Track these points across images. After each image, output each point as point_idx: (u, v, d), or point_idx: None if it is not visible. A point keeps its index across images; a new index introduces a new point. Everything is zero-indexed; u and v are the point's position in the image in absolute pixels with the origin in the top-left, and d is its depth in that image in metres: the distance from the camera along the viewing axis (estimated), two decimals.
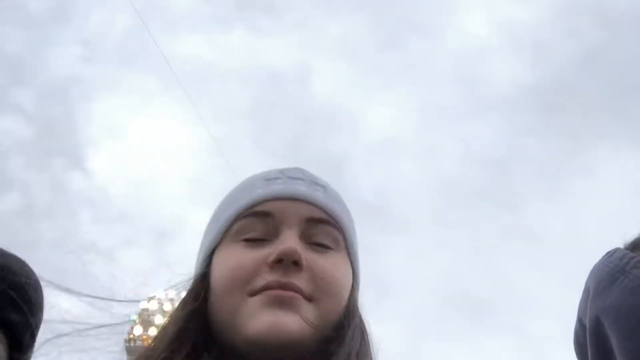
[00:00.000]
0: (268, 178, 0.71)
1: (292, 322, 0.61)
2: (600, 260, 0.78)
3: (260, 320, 0.61)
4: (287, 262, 0.63)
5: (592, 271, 0.76)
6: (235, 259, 0.65)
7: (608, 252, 0.79)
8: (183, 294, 0.70)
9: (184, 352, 0.62)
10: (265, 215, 0.67)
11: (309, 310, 0.62)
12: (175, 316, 0.67)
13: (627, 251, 0.72)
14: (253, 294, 0.62)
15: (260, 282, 0.63)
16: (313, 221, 0.68)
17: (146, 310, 12.97)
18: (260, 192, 0.69)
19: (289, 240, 0.65)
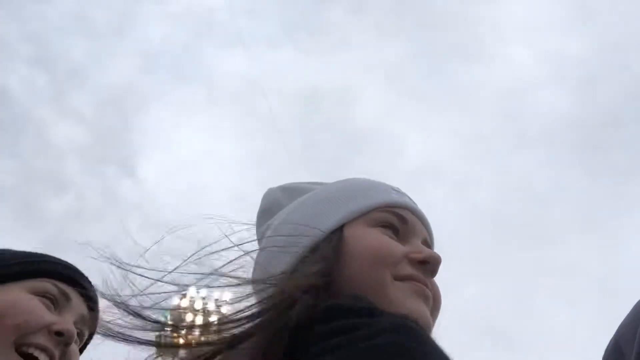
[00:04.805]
0: (394, 189, 0.78)
1: (429, 316, 0.69)
2: None
3: (411, 304, 0.67)
4: (430, 268, 0.71)
5: None
6: (385, 240, 0.71)
7: None
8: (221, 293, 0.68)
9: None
10: (402, 219, 0.74)
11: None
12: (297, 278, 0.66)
13: None
14: (399, 279, 0.68)
15: (405, 270, 0.69)
16: (426, 244, 0.75)
17: (177, 307, 13.02)
18: (396, 197, 0.76)
19: (431, 251, 0.73)
